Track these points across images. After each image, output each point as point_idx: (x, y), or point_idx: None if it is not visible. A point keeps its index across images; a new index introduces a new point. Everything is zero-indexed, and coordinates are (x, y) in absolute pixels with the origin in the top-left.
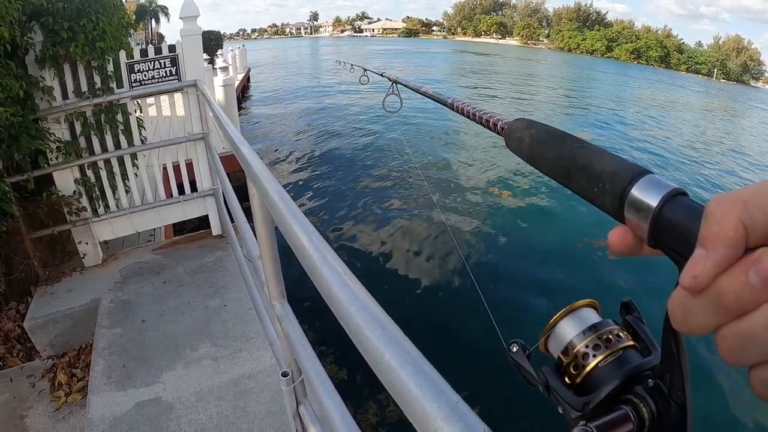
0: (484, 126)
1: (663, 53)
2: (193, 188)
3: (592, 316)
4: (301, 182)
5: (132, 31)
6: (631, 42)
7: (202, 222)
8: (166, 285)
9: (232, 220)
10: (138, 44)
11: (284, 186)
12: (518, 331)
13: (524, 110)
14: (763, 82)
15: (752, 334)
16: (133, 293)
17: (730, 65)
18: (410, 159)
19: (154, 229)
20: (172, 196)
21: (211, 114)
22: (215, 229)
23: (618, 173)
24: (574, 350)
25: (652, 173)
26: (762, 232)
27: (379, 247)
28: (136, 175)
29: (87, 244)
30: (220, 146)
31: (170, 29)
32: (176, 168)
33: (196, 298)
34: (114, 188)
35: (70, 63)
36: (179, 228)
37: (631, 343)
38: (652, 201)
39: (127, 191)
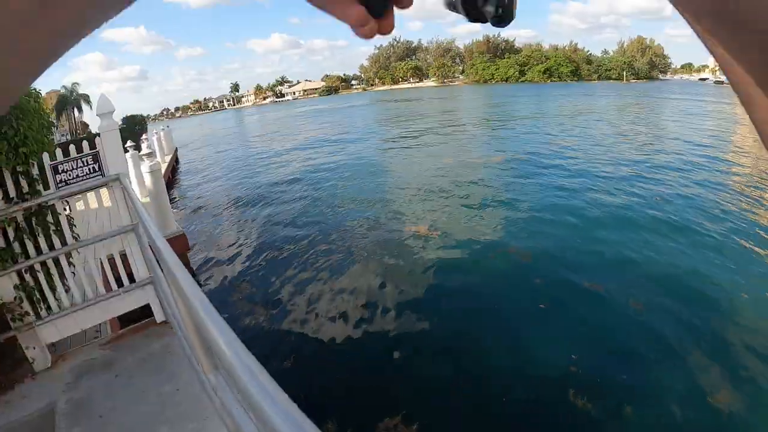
0: None
1: (573, 67)
2: (132, 279)
3: None
4: (238, 250)
5: (55, 122)
6: (542, 63)
7: (147, 309)
8: (119, 378)
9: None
10: (63, 136)
11: (225, 257)
12: None
13: (452, 145)
14: (672, 74)
15: None
16: (86, 391)
17: (638, 65)
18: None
19: (100, 324)
20: (111, 289)
21: (141, 201)
22: (158, 316)
23: None
24: None
25: None
26: None
27: (325, 298)
28: (74, 273)
29: (34, 348)
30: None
31: (94, 117)
32: (112, 261)
33: (149, 387)
34: (54, 289)
35: None
36: (126, 318)
37: None
38: None
39: (67, 290)
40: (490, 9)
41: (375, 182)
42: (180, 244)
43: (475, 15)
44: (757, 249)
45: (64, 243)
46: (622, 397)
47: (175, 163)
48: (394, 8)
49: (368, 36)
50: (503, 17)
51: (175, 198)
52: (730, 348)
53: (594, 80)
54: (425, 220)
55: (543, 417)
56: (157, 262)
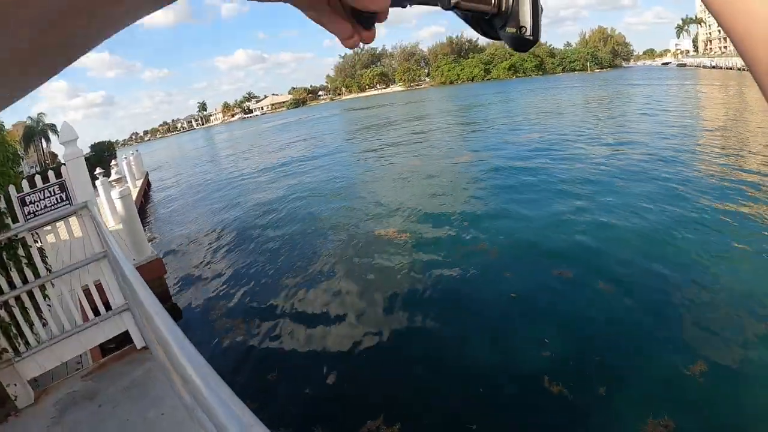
0: None
1: (537, 62)
2: (109, 307)
3: None
4: (214, 270)
5: (22, 154)
6: (506, 60)
7: (127, 336)
8: (102, 408)
9: None
10: (32, 167)
11: (202, 277)
12: None
13: (425, 148)
14: (635, 60)
15: None
16: (71, 424)
17: (601, 55)
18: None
19: (81, 354)
20: (88, 319)
21: (114, 227)
22: (138, 342)
23: None
24: None
25: None
26: None
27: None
28: (50, 305)
29: (16, 385)
30: (131, 257)
31: (63, 147)
32: (87, 291)
33: (133, 414)
34: (31, 323)
35: None
36: (107, 347)
37: None
38: None
39: (44, 324)
40: (510, 31)
41: (344, 190)
42: (155, 269)
43: (493, 36)
44: (725, 221)
45: (37, 275)
46: (597, 379)
47: (147, 187)
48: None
49: (353, 46)
50: (525, 41)
51: (149, 222)
52: (700, 321)
53: (558, 73)
54: (395, 224)
55: (522, 405)
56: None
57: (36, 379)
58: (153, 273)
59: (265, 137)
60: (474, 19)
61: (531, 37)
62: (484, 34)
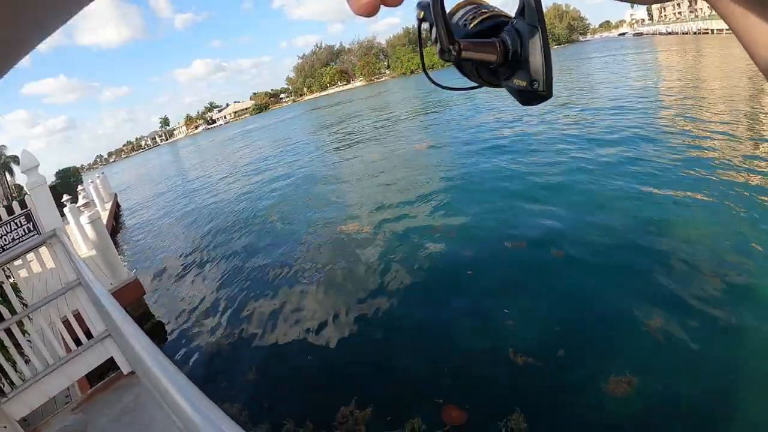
0: None
1: None
2: (89, 335)
3: None
4: (193, 282)
5: None
6: None
7: (113, 362)
8: None
9: None
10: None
11: (181, 292)
12: None
13: (384, 139)
14: (591, 34)
15: None
16: None
17: (557, 31)
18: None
19: (68, 387)
20: (71, 350)
21: (87, 253)
22: (124, 367)
23: None
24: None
25: None
26: None
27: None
28: (30, 341)
29: (5, 427)
30: (108, 282)
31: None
32: (67, 322)
33: None
34: (13, 362)
35: None
36: (95, 376)
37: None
38: None
39: (27, 361)
40: (519, 84)
41: (311, 190)
42: (133, 290)
43: (494, 84)
44: (679, 179)
45: (13, 312)
46: (557, 343)
47: (116, 209)
48: None
49: (370, 11)
50: (537, 96)
51: (123, 243)
52: (655, 278)
53: None
54: (356, 219)
55: (488, 377)
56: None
57: (26, 419)
58: (132, 295)
59: (230, 145)
60: (474, 67)
61: (544, 93)
62: (485, 82)
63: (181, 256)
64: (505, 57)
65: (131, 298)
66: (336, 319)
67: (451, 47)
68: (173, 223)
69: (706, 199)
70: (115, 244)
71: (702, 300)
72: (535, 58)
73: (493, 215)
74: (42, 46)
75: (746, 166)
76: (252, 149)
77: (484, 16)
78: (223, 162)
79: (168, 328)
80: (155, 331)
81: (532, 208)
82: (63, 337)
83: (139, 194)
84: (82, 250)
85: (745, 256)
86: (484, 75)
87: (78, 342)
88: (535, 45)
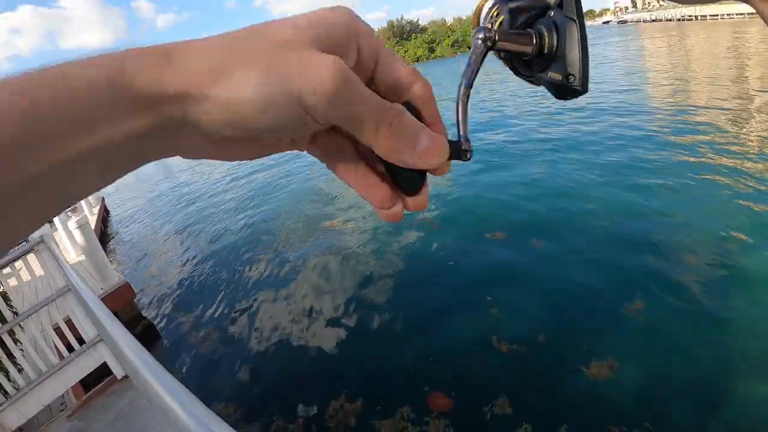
0: None
1: None
2: (82, 341)
3: None
4: (184, 283)
5: None
6: (449, 37)
7: (107, 367)
8: None
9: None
10: None
11: (173, 293)
12: None
13: None
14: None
15: None
16: None
17: None
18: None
19: (63, 395)
20: (63, 357)
21: (76, 259)
22: (117, 372)
23: None
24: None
25: None
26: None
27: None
28: (22, 350)
29: None
30: (99, 287)
31: None
32: (59, 330)
33: None
34: (6, 372)
35: None
36: (89, 381)
37: None
38: None
39: (20, 370)
40: (555, 77)
41: (293, 187)
42: (124, 294)
43: (527, 76)
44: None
45: (4, 321)
46: (538, 329)
47: (105, 213)
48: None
49: (394, 219)
50: (572, 91)
51: (113, 247)
52: (635, 262)
53: None
54: (339, 214)
55: (473, 365)
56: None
57: (21, 428)
58: (123, 299)
59: None
60: (508, 58)
61: (580, 88)
62: (518, 73)
63: (170, 257)
64: (540, 49)
65: (122, 302)
66: (321, 314)
67: (487, 37)
68: (161, 224)
69: (686, 182)
70: (104, 248)
71: (682, 283)
72: (572, 52)
73: (472, 206)
74: (24, 52)
75: (733, 150)
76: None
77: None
78: (208, 163)
79: (160, 329)
80: (147, 334)
81: (510, 199)
82: (55, 344)
83: (126, 196)
84: (71, 255)
85: (726, 240)
86: (518, 65)
87: (70, 348)
88: (573, 38)
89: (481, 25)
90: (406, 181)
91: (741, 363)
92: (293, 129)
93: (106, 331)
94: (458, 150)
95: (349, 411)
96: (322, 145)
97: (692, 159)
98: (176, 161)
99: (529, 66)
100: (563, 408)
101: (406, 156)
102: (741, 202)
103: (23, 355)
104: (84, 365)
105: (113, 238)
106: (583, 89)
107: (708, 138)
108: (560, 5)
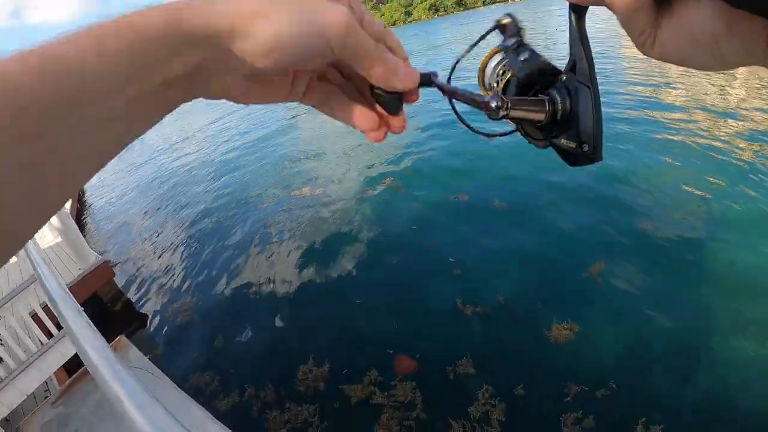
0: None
1: None
2: (60, 326)
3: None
4: (163, 258)
5: None
6: (425, 0)
7: None
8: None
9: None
10: None
11: (153, 269)
12: None
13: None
14: None
15: None
16: None
17: None
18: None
19: (46, 381)
20: (42, 344)
21: (52, 241)
22: None
23: None
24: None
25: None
26: None
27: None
28: (0, 341)
29: None
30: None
31: None
32: (36, 317)
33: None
34: None
35: None
36: (73, 365)
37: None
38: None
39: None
40: (568, 145)
41: (269, 157)
42: (103, 274)
43: (537, 139)
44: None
45: None
46: (501, 291)
47: (80, 193)
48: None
49: (381, 139)
50: (584, 158)
51: (89, 225)
52: (594, 223)
53: (480, 7)
54: (308, 183)
55: (439, 329)
56: None
57: (7, 419)
58: (101, 278)
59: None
60: (519, 122)
61: (593, 156)
62: (529, 138)
63: (148, 233)
64: (553, 116)
65: (101, 282)
66: (287, 281)
67: (499, 106)
68: (138, 201)
69: (654, 147)
70: (81, 227)
71: (642, 244)
72: (586, 119)
73: (440, 168)
74: None
75: (708, 121)
76: (212, 124)
77: (527, 70)
78: (186, 140)
79: (139, 305)
80: (127, 311)
81: (475, 161)
82: (34, 332)
83: (102, 176)
84: (48, 238)
85: (690, 205)
86: (529, 130)
87: (50, 335)
88: (587, 105)
89: (486, 81)
90: (390, 103)
91: (701, 322)
92: (313, 60)
93: (67, 326)
94: (427, 80)
95: (317, 374)
96: (317, 95)
97: (653, 116)
98: (152, 139)
99: (541, 130)
100: (524, 368)
101: (394, 81)
102: (699, 160)
103: (2, 346)
104: (65, 351)
105: (90, 216)
106: (597, 157)
107: (687, 104)
108: (572, 69)
